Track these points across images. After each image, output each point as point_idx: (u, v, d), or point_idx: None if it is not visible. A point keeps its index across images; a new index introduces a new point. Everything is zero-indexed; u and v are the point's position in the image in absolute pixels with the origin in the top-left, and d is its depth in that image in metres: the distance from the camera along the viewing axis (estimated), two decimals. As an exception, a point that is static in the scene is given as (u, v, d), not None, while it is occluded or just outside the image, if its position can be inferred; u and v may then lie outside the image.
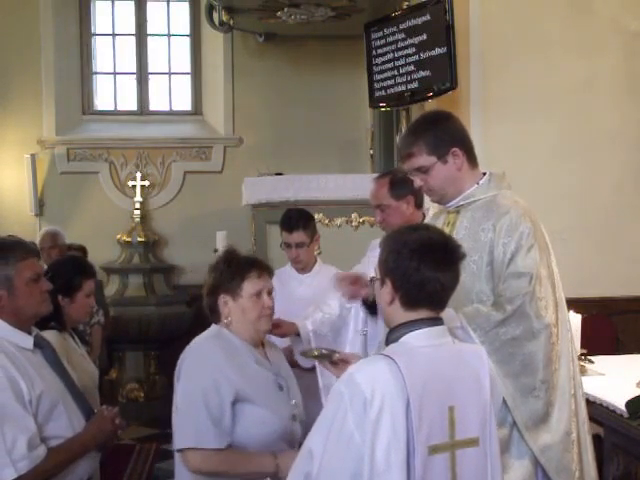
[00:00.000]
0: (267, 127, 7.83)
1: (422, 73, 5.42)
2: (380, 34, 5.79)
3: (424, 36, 5.37)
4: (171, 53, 8.25)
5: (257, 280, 2.50)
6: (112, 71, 8.22)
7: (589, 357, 4.08)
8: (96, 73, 8.16)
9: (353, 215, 5.90)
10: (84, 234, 7.06)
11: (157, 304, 7.22)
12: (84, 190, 7.82)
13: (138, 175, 7.74)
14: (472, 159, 2.64)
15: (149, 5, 8.18)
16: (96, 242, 6.94)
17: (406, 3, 5.94)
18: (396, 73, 5.67)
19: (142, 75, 8.17)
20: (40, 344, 2.54)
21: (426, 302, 1.92)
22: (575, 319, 3.58)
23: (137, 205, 7.67)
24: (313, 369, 3.38)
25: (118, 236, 7.55)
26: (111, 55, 8.20)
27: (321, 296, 3.61)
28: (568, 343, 2.56)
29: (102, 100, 8.20)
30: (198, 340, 2.52)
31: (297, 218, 3.99)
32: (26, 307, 2.48)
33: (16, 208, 7.66)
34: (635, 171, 5.50)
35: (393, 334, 1.96)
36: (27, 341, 2.49)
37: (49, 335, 2.75)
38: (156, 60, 8.22)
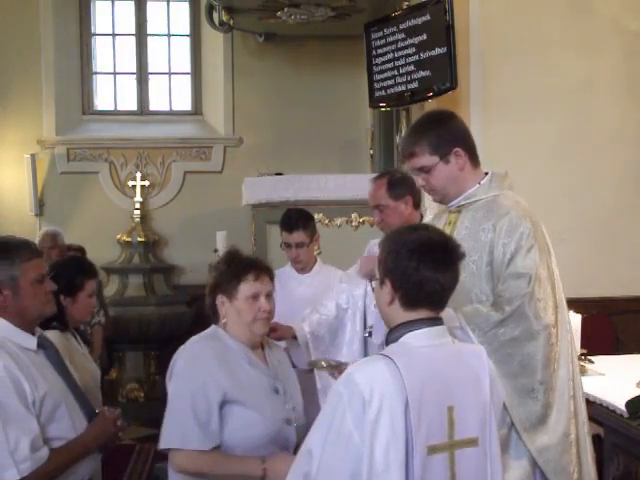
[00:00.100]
0: (267, 127, 7.83)
1: (422, 73, 5.42)
2: (380, 34, 5.79)
3: (424, 36, 5.37)
4: (171, 53, 8.25)
5: (253, 283, 2.46)
6: (112, 71, 8.21)
7: (589, 357, 4.08)
8: (96, 73, 8.15)
9: (353, 215, 5.90)
10: (84, 234, 7.06)
11: (157, 304, 7.22)
12: (84, 190, 7.82)
13: (138, 175, 7.74)
14: (474, 159, 2.64)
15: (149, 5, 8.18)
16: (96, 242, 6.94)
17: (406, 3, 5.94)
18: (396, 73, 5.67)
19: (142, 75, 8.17)
20: (43, 345, 2.54)
21: (425, 302, 1.92)
22: (575, 319, 3.58)
23: (137, 205, 7.66)
24: (311, 371, 3.38)
25: (118, 236, 7.55)
26: (111, 55, 8.19)
27: (321, 296, 3.61)
28: (568, 344, 2.56)
29: (102, 100, 8.20)
30: (192, 340, 2.51)
31: (297, 218, 3.99)
32: (31, 308, 2.48)
33: (16, 208, 7.66)
34: (635, 171, 5.50)
35: (393, 334, 1.96)
36: (31, 342, 2.49)
37: (51, 335, 2.76)
38: (156, 60, 8.22)
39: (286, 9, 6.47)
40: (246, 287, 2.45)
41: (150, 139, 7.91)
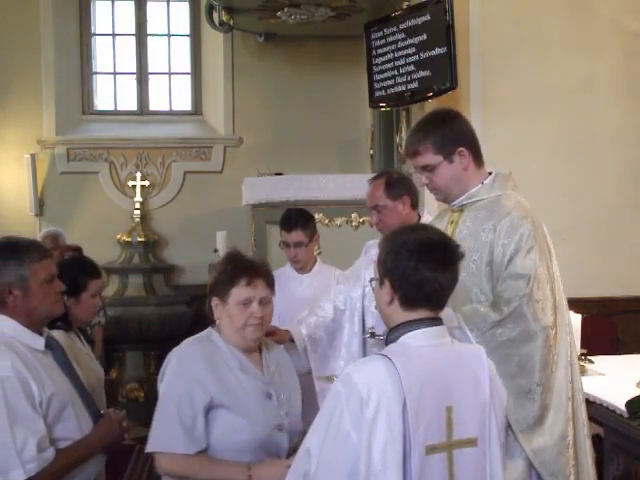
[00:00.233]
0: (267, 127, 7.83)
1: (422, 73, 5.41)
2: (380, 34, 5.79)
3: (424, 36, 5.37)
4: (171, 53, 8.25)
5: (245, 288, 2.40)
6: (112, 71, 8.21)
7: (589, 357, 4.08)
8: (96, 73, 8.15)
9: (353, 215, 5.90)
10: (84, 234, 7.06)
11: (157, 304, 7.22)
12: (84, 190, 7.82)
13: (138, 175, 7.74)
14: (478, 159, 2.64)
15: (149, 5, 8.18)
16: (96, 242, 6.94)
17: (406, 3, 5.93)
18: (396, 73, 5.67)
19: (142, 75, 8.17)
20: (51, 345, 2.55)
21: (425, 302, 1.93)
22: (575, 319, 3.58)
23: (137, 205, 7.66)
24: (310, 373, 3.37)
25: (118, 236, 7.55)
26: (111, 55, 8.19)
27: (321, 296, 3.60)
28: (567, 346, 2.55)
29: (102, 100, 8.20)
30: (184, 342, 2.49)
31: (296, 218, 3.99)
32: (40, 308, 2.48)
33: (16, 208, 7.65)
34: (635, 171, 5.51)
35: (392, 334, 1.97)
36: (39, 342, 2.49)
37: (56, 335, 2.76)
38: (156, 60, 8.22)
39: (286, 9, 6.47)
40: (237, 292, 2.40)
41: (150, 139, 7.91)
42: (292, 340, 3.33)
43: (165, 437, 2.33)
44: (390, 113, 6.55)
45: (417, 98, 5.56)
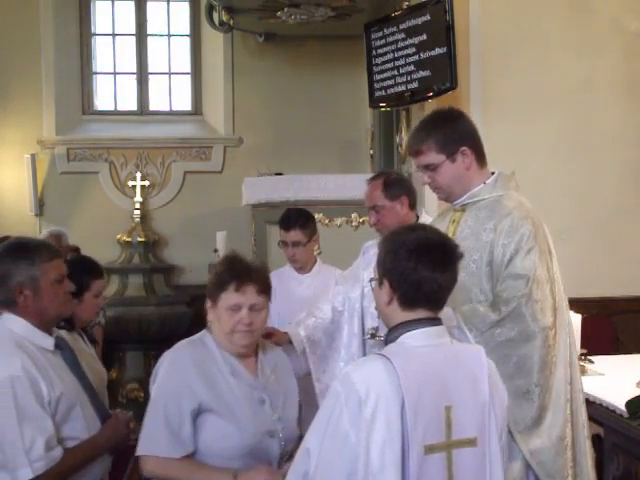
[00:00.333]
0: (267, 127, 7.83)
1: (422, 73, 5.41)
2: (380, 34, 5.79)
3: (424, 36, 5.37)
4: (171, 53, 8.25)
5: (234, 294, 2.35)
6: (112, 71, 8.21)
7: (589, 357, 4.08)
8: (96, 73, 8.15)
9: (353, 215, 5.90)
10: (84, 234, 7.06)
11: (157, 304, 7.22)
12: (84, 190, 7.82)
13: (138, 175, 7.74)
14: (481, 158, 2.64)
15: (149, 5, 8.18)
16: (96, 242, 6.94)
17: (406, 3, 5.93)
18: (396, 73, 5.67)
19: (142, 75, 8.17)
20: (60, 345, 2.56)
21: (423, 302, 1.93)
22: (575, 319, 3.58)
23: (137, 205, 7.66)
24: (309, 374, 3.36)
25: (118, 236, 7.55)
26: (111, 55, 8.19)
27: (319, 297, 3.59)
28: (566, 347, 2.54)
29: (102, 100, 8.20)
30: (177, 345, 2.46)
31: (295, 217, 3.98)
32: (50, 308, 2.50)
33: (16, 208, 7.65)
34: (635, 171, 5.51)
35: (391, 334, 1.97)
36: (48, 342, 2.51)
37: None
38: (156, 60, 8.22)
39: (286, 9, 6.47)
40: (227, 297, 2.36)
41: (150, 139, 7.91)
42: (291, 342, 3.32)
43: (151, 440, 2.32)
44: (390, 113, 6.55)
45: (417, 98, 5.56)
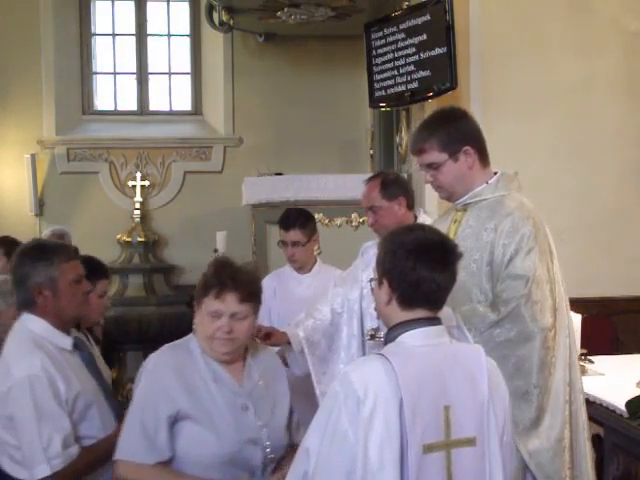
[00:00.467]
0: (267, 127, 7.83)
1: (422, 73, 5.41)
2: (380, 34, 5.79)
3: (424, 36, 5.37)
4: (171, 53, 8.25)
5: (214, 301, 2.29)
6: (112, 71, 8.21)
7: (589, 357, 4.08)
8: (96, 73, 8.15)
9: (353, 215, 5.90)
10: (84, 234, 7.05)
11: (157, 304, 7.22)
12: (84, 190, 7.82)
13: (138, 175, 7.74)
14: (484, 158, 2.64)
15: (149, 5, 8.18)
16: (96, 242, 6.93)
17: (406, 3, 5.93)
18: (396, 73, 5.67)
19: (142, 75, 8.16)
20: (78, 346, 2.60)
21: (422, 302, 1.93)
22: (575, 319, 3.58)
23: (137, 205, 7.66)
24: (308, 375, 3.36)
25: (118, 236, 7.55)
26: (111, 55, 8.19)
27: (318, 298, 3.58)
28: (566, 348, 2.54)
29: (102, 100, 8.20)
30: (162, 349, 2.42)
31: (295, 217, 3.98)
32: (68, 308, 2.54)
33: (16, 208, 7.65)
34: (635, 171, 5.51)
35: (391, 334, 1.97)
36: (67, 342, 2.55)
37: None
38: (156, 60, 8.22)
39: (286, 9, 6.47)
40: (208, 302, 2.31)
41: (150, 139, 7.91)
42: (289, 342, 3.32)
43: (126, 444, 2.29)
44: (390, 113, 6.55)
45: (417, 98, 5.56)
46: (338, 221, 5.92)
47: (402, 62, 5.59)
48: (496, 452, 1.94)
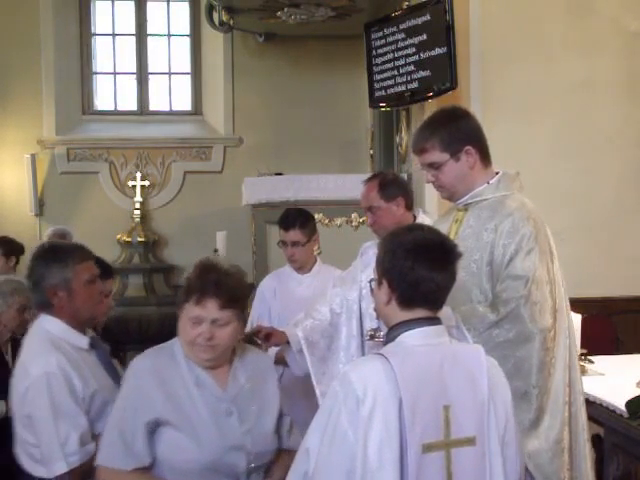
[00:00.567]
0: (267, 127, 7.83)
1: (422, 73, 5.42)
2: (380, 34, 5.79)
3: (424, 36, 5.37)
4: (171, 53, 8.25)
5: (195, 307, 2.23)
6: (112, 71, 8.22)
7: (589, 357, 4.08)
8: (96, 73, 8.16)
9: (353, 215, 5.90)
10: (84, 234, 7.03)
11: (157, 304, 7.22)
12: (84, 190, 7.82)
13: (138, 175, 7.75)
14: (486, 158, 2.63)
15: (149, 5, 8.19)
16: (96, 242, 6.87)
17: (406, 3, 5.93)
18: (396, 73, 5.67)
19: (142, 75, 8.17)
20: (95, 345, 2.63)
21: (422, 302, 1.93)
22: (575, 319, 3.58)
23: (137, 205, 7.67)
24: (307, 375, 3.35)
25: (118, 236, 7.55)
26: (111, 55, 8.20)
27: (317, 299, 3.58)
28: (565, 349, 2.53)
29: (102, 100, 8.20)
30: (145, 352, 2.39)
31: (295, 217, 3.98)
32: (83, 308, 2.57)
33: (16, 208, 7.66)
34: (635, 171, 5.51)
35: (390, 334, 1.98)
36: (83, 341, 2.58)
37: None
38: (156, 60, 8.22)
39: (286, 9, 6.47)
40: (188, 308, 2.25)
41: (150, 139, 7.91)
42: (288, 342, 3.32)
43: (105, 450, 2.27)
44: (390, 113, 6.56)
45: (417, 98, 5.56)
46: (338, 221, 5.92)
47: (402, 62, 5.59)
48: (497, 452, 1.94)
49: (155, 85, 8.24)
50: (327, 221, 5.87)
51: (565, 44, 5.44)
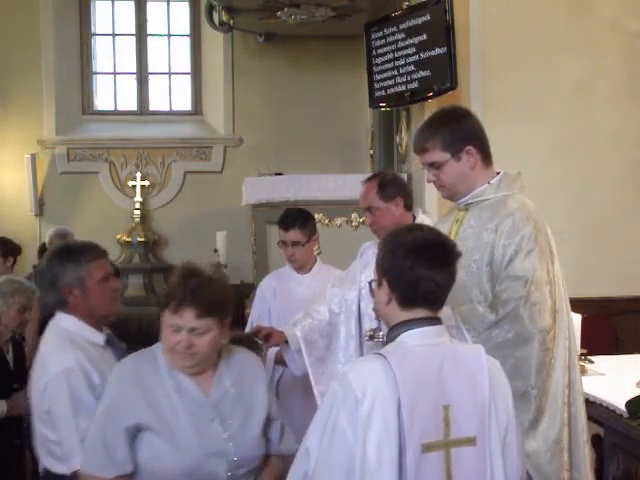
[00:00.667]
0: (267, 127, 7.83)
1: (422, 73, 5.42)
2: (380, 34, 5.79)
3: (424, 36, 5.37)
4: (171, 53, 8.26)
5: (171, 316, 2.18)
6: (112, 71, 8.22)
7: (589, 357, 4.08)
8: (96, 73, 8.17)
9: (353, 215, 5.90)
10: (84, 234, 7.02)
11: (157, 304, 7.12)
12: (84, 190, 7.83)
13: (138, 175, 7.76)
14: (487, 158, 2.63)
15: (149, 5, 8.20)
16: (96, 242, 6.93)
17: (406, 3, 5.93)
18: (396, 73, 5.67)
19: (142, 75, 8.17)
20: (111, 341, 2.65)
21: (421, 301, 1.93)
22: (575, 319, 3.58)
23: (137, 205, 7.68)
24: (305, 375, 3.35)
25: (118, 236, 7.56)
26: (111, 55, 8.21)
27: (316, 299, 3.58)
28: (565, 351, 2.52)
29: (102, 100, 8.21)
30: (129, 356, 2.39)
31: (295, 217, 3.98)
32: (98, 306, 2.59)
33: (16, 208, 7.66)
34: (634, 171, 5.51)
35: (391, 334, 1.98)
36: (100, 338, 2.61)
37: None
38: (156, 60, 8.23)
39: (286, 9, 6.47)
40: (166, 316, 2.21)
41: (150, 139, 7.91)
42: (287, 341, 3.31)
43: (88, 457, 2.26)
44: (390, 113, 6.56)
45: (417, 98, 5.56)
46: (338, 221, 5.92)
47: (402, 62, 5.59)
48: (497, 452, 1.93)
49: (155, 85, 8.25)
50: (327, 221, 5.87)
51: (565, 44, 5.44)
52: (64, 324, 2.58)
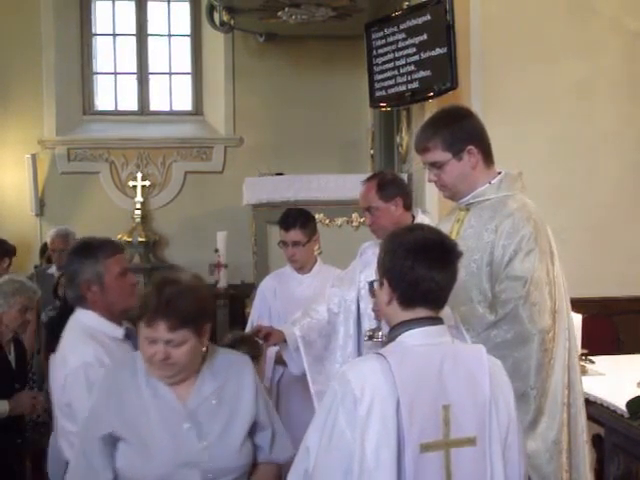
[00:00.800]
0: (267, 127, 7.83)
1: (422, 73, 5.41)
2: (380, 34, 5.79)
3: (424, 36, 5.37)
4: (172, 53, 8.26)
5: (145, 328, 2.14)
6: (113, 71, 8.22)
7: (590, 357, 4.08)
8: (97, 73, 8.17)
9: (353, 215, 5.90)
10: (84, 234, 6.98)
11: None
12: (84, 190, 7.83)
13: (139, 175, 7.76)
14: (488, 158, 2.63)
15: (150, 5, 8.19)
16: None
17: (406, 3, 5.93)
18: (396, 73, 5.67)
19: (143, 75, 8.17)
20: (130, 335, 2.66)
21: (422, 301, 1.93)
22: (576, 319, 3.58)
23: (138, 205, 7.68)
24: (304, 375, 3.35)
25: (119, 236, 7.54)
26: (112, 55, 8.21)
27: (315, 298, 3.58)
28: (565, 351, 2.52)
29: (103, 100, 8.21)
30: (110, 365, 2.40)
31: (295, 217, 3.98)
32: (117, 301, 2.63)
33: (16, 208, 7.66)
34: (634, 171, 5.51)
35: (392, 333, 1.98)
36: (118, 332, 2.65)
37: None
38: (156, 60, 8.23)
39: (287, 9, 6.47)
40: (141, 327, 2.17)
41: (151, 139, 7.92)
42: (285, 340, 3.32)
43: (71, 468, 2.27)
44: (390, 113, 6.56)
45: (417, 98, 5.56)
46: (338, 221, 5.92)
47: (402, 62, 5.59)
48: (498, 452, 1.93)
49: (156, 85, 8.25)
50: (327, 221, 5.87)
51: (565, 44, 5.44)
52: (83, 319, 2.63)
